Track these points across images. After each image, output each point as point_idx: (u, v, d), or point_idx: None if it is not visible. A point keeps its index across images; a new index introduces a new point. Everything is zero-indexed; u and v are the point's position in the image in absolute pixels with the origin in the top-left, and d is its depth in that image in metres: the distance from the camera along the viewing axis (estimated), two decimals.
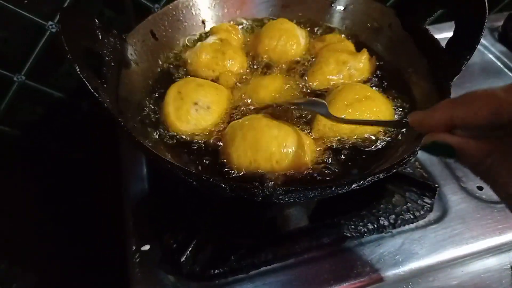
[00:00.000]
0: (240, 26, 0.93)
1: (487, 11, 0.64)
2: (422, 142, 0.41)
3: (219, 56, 0.81)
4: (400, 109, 0.75)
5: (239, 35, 0.90)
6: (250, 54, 0.87)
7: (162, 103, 0.73)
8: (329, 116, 0.64)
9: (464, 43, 0.66)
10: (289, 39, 0.85)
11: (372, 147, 0.69)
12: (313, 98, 0.74)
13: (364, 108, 0.70)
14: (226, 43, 0.84)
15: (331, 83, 0.79)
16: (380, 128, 0.71)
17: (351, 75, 0.79)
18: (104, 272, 1.02)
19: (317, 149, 0.68)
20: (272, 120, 0.67)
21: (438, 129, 0.39)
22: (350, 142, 0.70)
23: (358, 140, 0.70)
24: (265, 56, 0.86)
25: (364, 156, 0.68)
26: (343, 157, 0.68)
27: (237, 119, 0.72)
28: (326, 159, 0.67)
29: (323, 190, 0.54)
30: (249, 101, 0.75)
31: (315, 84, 0.79)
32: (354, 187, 0.56)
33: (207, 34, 0.90)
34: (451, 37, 0.70)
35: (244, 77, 0.82)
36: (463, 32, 0.68)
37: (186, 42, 0.88)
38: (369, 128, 0.71)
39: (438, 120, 0.39)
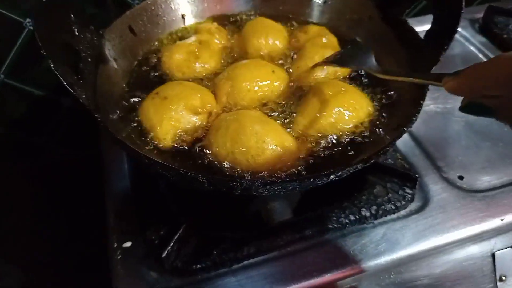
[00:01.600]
0: None
1: (463, 3, 0.64)
2: (461, 103, 0.45)
3: (192, 59, 0.79)
4: (383, 100, 0.75)
5: (223, 39, 0.87)
6: (235, 55, 0.86)
7: (143, 107, 0.71)
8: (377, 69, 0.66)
9: (442, 34, 0.67)
10: (276, 34, 0.85)
11: (357, 140, 0.70)
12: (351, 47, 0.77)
13: (341, 102, 0.70)
14: (204, 45, 0.82)
15: (315, 78, 0.78)
16: (361, 122, 0.71)
17: (335, 71, 0.79)
18: (90, 270, 1.02)
19: (301, 148, 0.68)
20: (258, 116, 0.68)
21: (473, 94, 0.43)
22: (333, 138, 0.70)
23: (341, 135, 0.70)
24: (256, 54, 0.85)
25: (349, 150, 0.68)
26: (326, 153, 0.68)
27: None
28: (310, 156, 0.67)
29: (302, 182, 0.54)
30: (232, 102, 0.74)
31: (298, 77, 0.79)
32: (333, 178, 0.56)
33: (189, 32, 0.89)
34: (429, 29, 0.71)
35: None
36: (441, 23, 0.69)
37: (167, 36, 0.87)
38: (350, 122, 0.70)
39: (470, 85, 0.42)
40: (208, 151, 0.67)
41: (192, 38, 0.84)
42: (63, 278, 1.08)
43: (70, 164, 1.23)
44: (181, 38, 0.87)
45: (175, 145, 0.68)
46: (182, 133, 0.69)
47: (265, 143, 0.63)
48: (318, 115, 0.69)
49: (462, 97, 0.46)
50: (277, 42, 0.85)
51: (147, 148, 0.67)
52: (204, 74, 0.80)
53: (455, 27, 0.65)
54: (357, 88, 0.76)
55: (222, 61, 0.84)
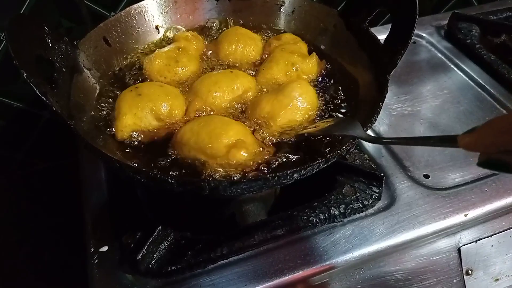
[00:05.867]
0: None
1: (417, 10, 0.68)
2: (478, 159, 0.43)
3: (172, 64, 0.83)
4: (343, 108, 0.79)
5: (200, 45, 0.91)
6: (210, 61, 0.89)
7: (120, 95, 0.75)
8: (367, 137, 0.63)
9: (399, 39, 0.71)
10: (248, 42, 0.89)
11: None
12: (343, 118, 0.75)
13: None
14: (183, 51, 0.86)
15: (279, 81, 0.82)
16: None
17: (298, 76, 0.83)
18: (70, 276, 1.02)
19: (263, 148, 0.70)
20: (225, 118, 0.71)
21: (491, 150, 0.41)
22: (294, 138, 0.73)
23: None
24: (227, 60, 0.89)
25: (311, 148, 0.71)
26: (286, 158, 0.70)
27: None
28: (274, 158, 0.69)
29: (267, 181, 0.57)
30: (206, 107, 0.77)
31: (263, 80, 0.83)
32: (297, 176, 0.59)
33: (168, 41, 0.92)
34: (387, 35, 0.74)
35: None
36: (398, 30, 0.73)
37: (142, 47, 0.90)
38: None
39: (487, 144, 0.41)
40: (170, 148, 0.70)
41: (171, 46, 0.88)
42: (43, 285, 1.08)
43: (50, 174, 1.24)
44: (159, 47, 0.90)
45: (128, 140, 0.72)
46: (140, 131, 0.73)
47: (228, 140, 0.66)
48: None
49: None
50: (248, 50, 0.89)
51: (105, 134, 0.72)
52: (184, 78, 0.84)
53: (411, 33, 0.68)
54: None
55: (201, 65, 0.88)
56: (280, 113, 0.72)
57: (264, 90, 0.81)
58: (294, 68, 0.82)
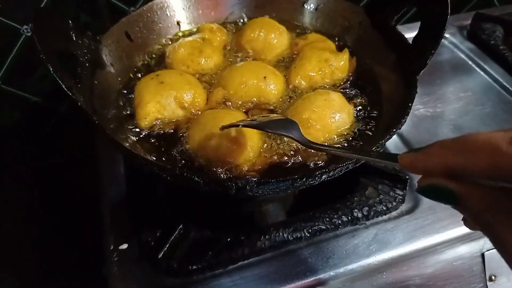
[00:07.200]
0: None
1: (449, 8, 0.66)
2: (419, 184, 0.37)
3: (196, 53, 0.83)
4: (368, 108, 0.77)
5: (224, 37, 0.91)
6: (233, 50, 0.90)
7: (140, 82, 0.75)
8: (303, 141, 0.59)
9: (429, 39, 0.69)
10: (271, 30, 0.88)
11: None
12: (283, 117, 0.67)
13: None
14: (207, 42, 0.86)
15: (313, 80, 0.81)
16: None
17: (332, 73, 0.81)
18: (85, 273, 1.02)
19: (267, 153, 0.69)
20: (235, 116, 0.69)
21: (434, 173, 0.36)
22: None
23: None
24: (249, 48, 0.88)
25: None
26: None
27: None
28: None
29: (295, 181, 0.56)
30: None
31: (297, 81, 0.81)
32: (325, 178, 0.58)
33: (191, 32, 0.92)
34: (417, 34, 0.72)
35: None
36: (428, 29, 0.71)
37: (164, 41, 0.89)
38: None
39: (435, 165, 0.36)
40: (183, 142, 0.70)
41: (195, 36, 0.87)
42: (44, 280, 1.08)
43: (50, 168, 1.24)
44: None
45: (152, 128, 0.72)
46: (162, 120, 0.73)
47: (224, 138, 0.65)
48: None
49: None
50: (271, 38, 0.88)
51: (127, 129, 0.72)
52: (207, 69, 0.84)
53: (442, 32, 0.67)
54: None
55: (224, 57, 0.88)
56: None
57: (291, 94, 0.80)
58: (329, 65, 0.81)
